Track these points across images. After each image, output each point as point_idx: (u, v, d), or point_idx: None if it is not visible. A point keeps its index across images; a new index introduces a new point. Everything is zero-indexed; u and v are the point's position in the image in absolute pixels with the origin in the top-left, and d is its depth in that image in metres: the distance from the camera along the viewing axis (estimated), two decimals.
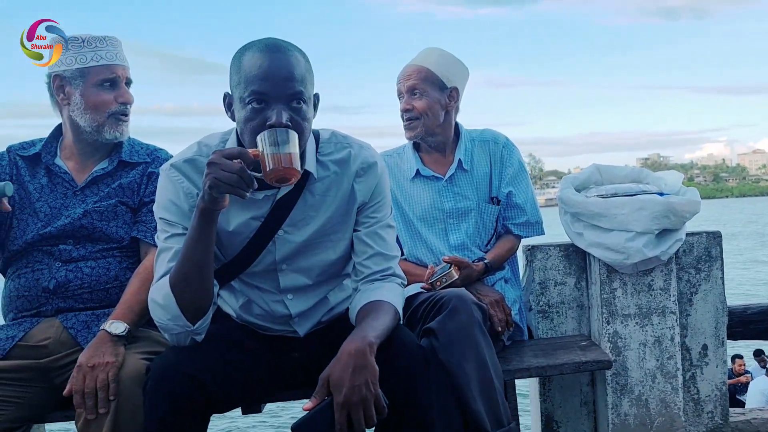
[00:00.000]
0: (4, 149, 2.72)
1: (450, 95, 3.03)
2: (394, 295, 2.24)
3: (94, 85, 2.60)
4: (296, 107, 2.03)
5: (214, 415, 2.14)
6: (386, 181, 2.34)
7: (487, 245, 3.04)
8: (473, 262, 2.86)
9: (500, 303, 2.82)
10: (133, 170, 2.68)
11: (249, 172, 1.87)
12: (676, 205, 2.90)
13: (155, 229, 2.46)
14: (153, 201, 2.56)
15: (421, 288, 2.74)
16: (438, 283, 2.70)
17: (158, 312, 2.09)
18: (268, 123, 1.97)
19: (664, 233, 2.96)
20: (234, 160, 1.87)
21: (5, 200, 2.31)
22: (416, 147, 3.14)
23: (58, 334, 2.44)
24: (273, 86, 2.00)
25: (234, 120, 2.14)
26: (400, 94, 3.05)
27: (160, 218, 2.19)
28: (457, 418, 2.35)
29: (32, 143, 2.71)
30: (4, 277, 2.66)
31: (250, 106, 2.01)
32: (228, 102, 2.15)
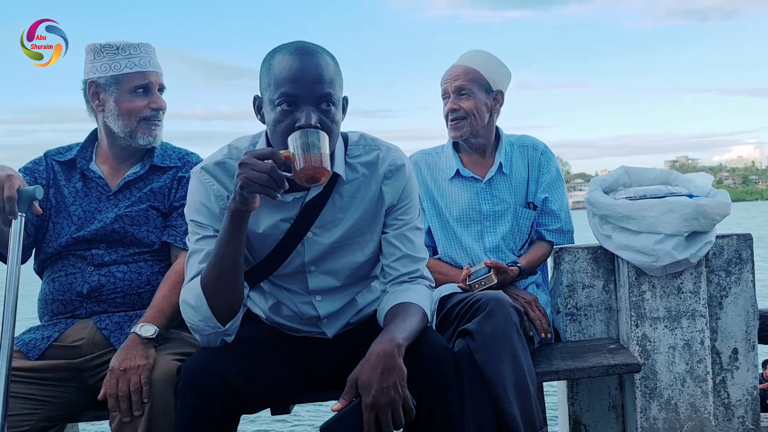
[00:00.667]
0: (42, 154, 2.77)
1: (495, 98, 3.07)
2: (422, 297, 2.25)
3: (128, 92, 2.64)
4: (325, 109, 2.05)
5: (243, 415, 2.16)
6: (414, 184, 2.35)
7: (520, 249, 3.06)
8: (508, 265, 2.86)
9: (534, 304, 2.83)
10: (164, 175, 2.72)
11: (279, 171, 1.89)
12: (706, 207, 2.87)
13: (185, 233, 2.49)
14: (183, 205, 2.59)
15: (458, 287, 2.75)
16: (476, 285, 2.72)
17: (189, 313, 2.11)
18: (297, 125, 1.99)
19: (693, 236, 2.93)
20: (265, 161, 1.89)
21: (36, 203, 2.34)
22: (455, 147, 3.15)
23: (91, 335, 2.48)
24: (302, 88, 2.01)
25: (264, 123, 2.17)
26: (445, 94, 3.06)
27: (191, 220, 2.22)
28: (491, 421, 2.35)
29: (69, 148, 2.76)
30: (41, 278, 2.70)
31: (279, 108, 2.03)
32: (258, 105, 2.18)
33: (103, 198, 2.66)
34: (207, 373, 2.04)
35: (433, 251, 3.10)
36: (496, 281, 2.74)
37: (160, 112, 2.70)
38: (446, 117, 3.06)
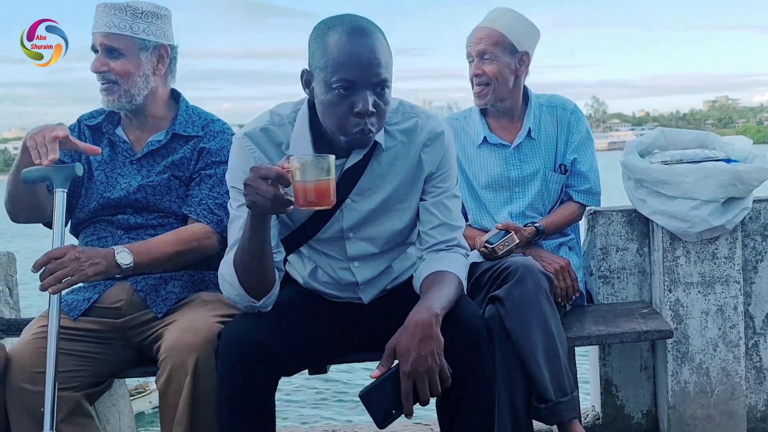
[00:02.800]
0: (76, 120, 2.79)
1: (520, 60, 2.99)
2: (458, 265, 2.29)
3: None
4: (380, 93, 2.07)
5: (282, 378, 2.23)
6: (453, 152, 2.37)
7: (549, 213, 3.04)
8: (524, 226, 2.88)
9: (565, 269, 2.84)
10: (186, 144, 2.69)
11: (284, 193, 1.89)
12: (744, 173, 2.85)
13: (199, 204, 2.58)
14: (201, 176, 2.64)
15: (479, 250, 2.77)
16: (501, 247, 2.72)
17: (226, 287, 2.19)
18: (355, 110, 2.03)
19: (730, 201, 2.92)
20: (270, 181, 1.88)
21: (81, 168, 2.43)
22: (483, 112, 3.11)
23: (129, 296, 2.55)
24: (360, 73, 2.03)
25: (311, 96, 2.18)
26: (469, 57, 3.01)
27: (232, 186, 2.26)
28: (522, 386, 2.42)
29: (102, 111, 2.76)
30: (77, 239, 2.76)
31: (336, 91, 2.04)
32: (306, 79, 2.18)
33: (126, 162, 2.68)
34: (246, 339, 2.10)
35: (464, 218, 3.10)
36: (518, 240, 2.75)
37: (106, 75, 2.60)
38: (471, 81, 3.03)
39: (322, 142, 2.21)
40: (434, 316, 2.02)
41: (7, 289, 3.23)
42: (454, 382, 2.04)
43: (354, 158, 2.24)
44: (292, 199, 1.91)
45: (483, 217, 3.05)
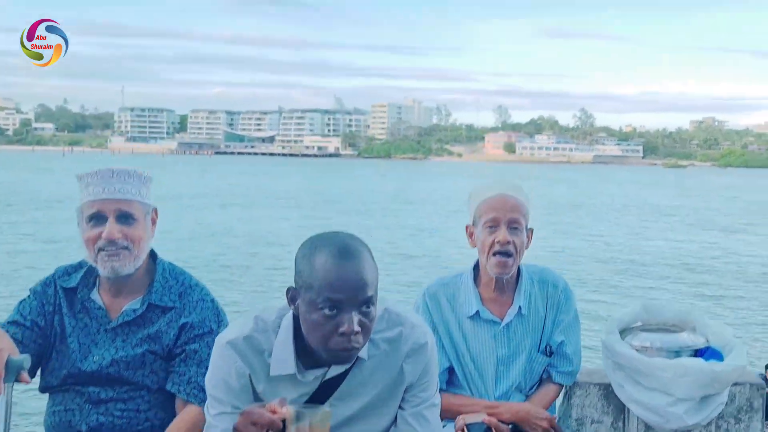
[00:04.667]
0: (52, 273, 2.73)
1: (528, 236, 2.98)
2: None
3: (85, 222, 2.58)
4: (366, 311, 2.08)
5: None
6: (435, 361, 2.38)
7: (529, 390, 3.07)
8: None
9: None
10: (162, 317, 2.65)
11: None
12: (721, 373, 2.88)
13: (188, 382, 2.58)
14: (185, 352, 2.62)
15: (456, 428, 2.80)
16: None
17: None
18: (340, 330, 2.03)
19: (707, 396, 2.95)
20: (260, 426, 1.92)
21: (24, 373, 2.24)
22: (475, 281, 3.06)
23: None
24: (347, 294, 2.04)
25: (295, 312, 2.18)
26: (493, 223, 2.90)
27: (210, 394, 2.25)
28: None
29: (79, 266, 2.71)
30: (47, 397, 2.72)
31: (322, 311, 2.05)
32: (292, 296, 2.18)
33: (101, 330, 2.64)
34: None
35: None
36: None
37: (118, 242, 2.55)
38: (489, 248, 2.90)
39: (305, 353, 2.22)
40: None
41: None
42: None
43: (336, 370, 2.24)
44: None
45: (464, 391, 3.04)
